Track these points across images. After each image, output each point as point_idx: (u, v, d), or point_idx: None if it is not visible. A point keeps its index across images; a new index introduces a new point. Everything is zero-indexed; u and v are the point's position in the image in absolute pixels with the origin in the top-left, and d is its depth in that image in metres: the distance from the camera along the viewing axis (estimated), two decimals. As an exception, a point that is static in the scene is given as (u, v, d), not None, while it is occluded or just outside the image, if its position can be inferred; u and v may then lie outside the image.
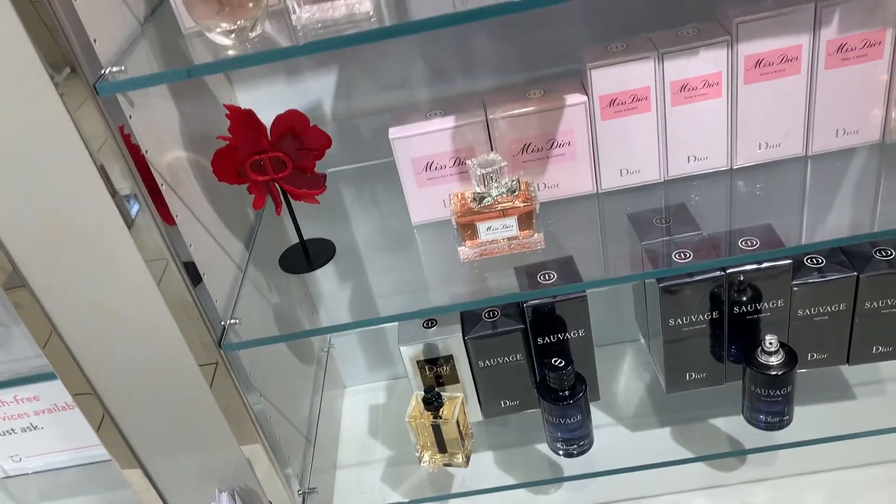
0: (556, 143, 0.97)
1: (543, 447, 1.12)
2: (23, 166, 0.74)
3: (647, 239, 0.92)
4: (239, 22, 0.73)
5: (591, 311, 1.02)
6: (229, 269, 0.97)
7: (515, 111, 0.95)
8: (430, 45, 1.06)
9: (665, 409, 1.17)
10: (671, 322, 1.01)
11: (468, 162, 0.91)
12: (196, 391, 0.92)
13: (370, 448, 1.28)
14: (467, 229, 0.92)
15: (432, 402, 1.03)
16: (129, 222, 0.78)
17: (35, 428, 1.22)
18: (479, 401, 1.11)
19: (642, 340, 1.23)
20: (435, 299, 0.92)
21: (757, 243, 0.88)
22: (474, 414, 1.12)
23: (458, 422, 1.04)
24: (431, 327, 1.06)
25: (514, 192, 0.91)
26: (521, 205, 0.91)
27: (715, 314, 1.01)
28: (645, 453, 1.11)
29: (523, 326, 1.03)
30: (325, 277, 0.98)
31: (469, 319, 1.06)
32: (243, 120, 0.87)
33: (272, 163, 0.89)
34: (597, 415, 1.16)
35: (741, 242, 0.88)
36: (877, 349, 1.05)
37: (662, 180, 1.00)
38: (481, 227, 0.92)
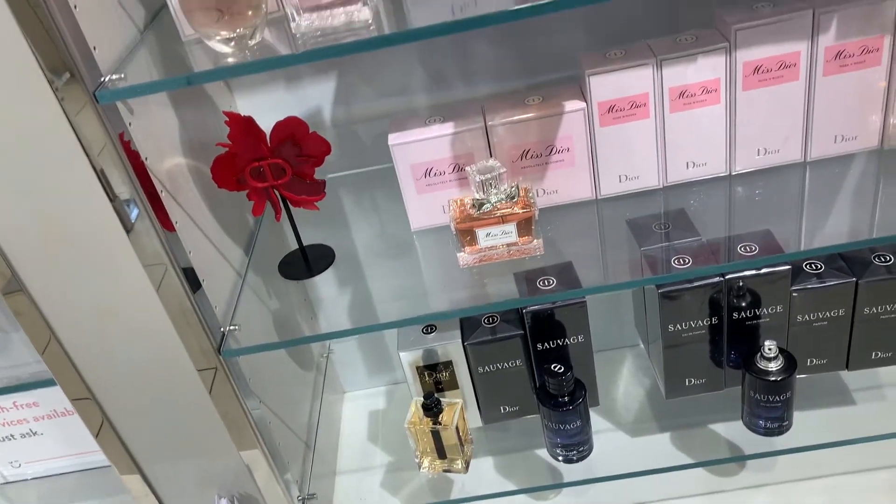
0: (554, 150, 0.97)
1: (543, 453, 1.12)
2: (21, 170, 0.74)
3: (647, 245, 0.92)
4: (238, 30, 0.74)
5: (590, 317, 1.02)
6: (229, 276, 0.98)
7: (514, 117, 0.95)
8: (430, 52, 1.06)
9: (664, 415, 1.17)
10: (670, 328, 1.01)
11: (467, 168, 0.92)
12: (195, 397, 0.92)
13: (370, 454, 1.28)
14: (466, 235, 0.92)
15: (432, 408, 1.03)
16: (129, 227, 0.78)
17: (34, 434, 1.22)
18: (479, 407, 1.11)
19: (642, 346, 1.23)
20: (434, 305, 0.92)
21: (756, 249, 0.88)
22: (474, 420, 1.12)
23: (457, 428, 1.04)
24: (431, 333, 1.06)
25: (513, 198, 0.91)
26: (521, 211, 0.91)
27: (714, 320, 1.01)
28: (644, 459, 1.11)
29: (523, 332, 1.03)
30: (324, 283, 0.98)
31: (468, 325, 1.06)
32: (243, 126, 0.87)
33: (271, 169, 0.89)
34: (596, 420, 1.16)
35: (740, 248, 0.89)
36: (876, 354, 1.05)
37: (661, 186, 1.00)
38: (480, 233, 0.92)
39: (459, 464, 1.08)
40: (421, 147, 0.96)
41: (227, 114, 0.86)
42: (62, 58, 0.70)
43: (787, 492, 1.14)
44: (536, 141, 0.96)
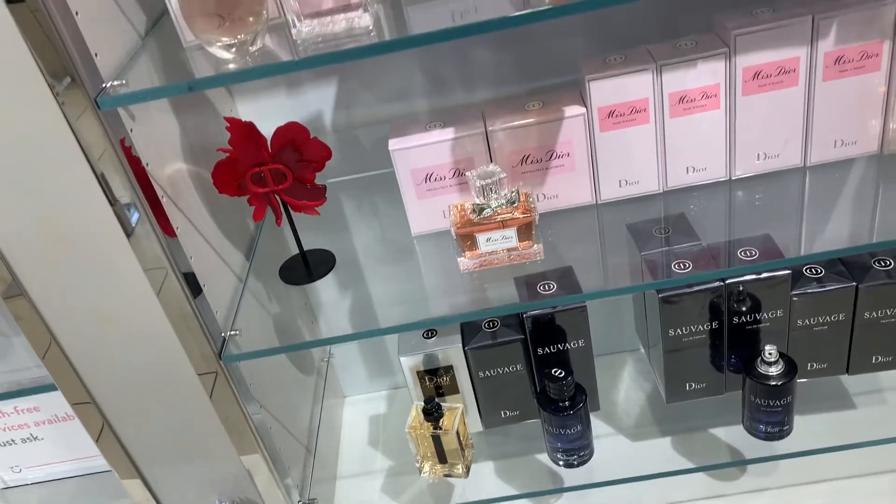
0: (555, 155, 0.97)
1: (544, 457, 1.12)
2: (22, 175, 0.75)
3: (647, 249, 0.92)
4: (239, 36, 0.74)
5: (590, 321, 1.02)
6: (229, 281, 0.98)
7: (515, 123, 0.95)
8: (430, 57, 1.07)
9: (665, 419, 1.17)
10: (671, 332, 1.01)
11: (468, 173, 0.92)
12: (196, 402, 0.92)
13: (370, 458, 1.28)
14: (467, 240, 0.92)
15: (432, 413, 1.03)
16: (129, 231, 0.79)
17: (35, 439, 1.22)
18: (480, 411, 1.11)
19: (642, 350, 1.23)
20: (435, 310, 0.92)
21: (756, 254, 0.88)
22: (474, 424, 1.12)
23: (458, 432, 1.04)
24: (431, 338, 1.06)
25: (513, 203, 0.92)
26: (521, 216, 0.91)
27: (714, 324, 1.01)
28: (645, 463, 1.11)
29: (523, 337, 1.03)
30: (325, 288, 0.98)
31: (469, 330, 1.06)
32: (244, 132, 0.87)
33: (272, 174, 0.90)
34: (597, 425, 1.16)
35: (740, 253, 0.89)
36: (876, 359, 1.05)
37: (661, 191, 1.01)
38: (481, 238, 0.92)
39: (460, 468, 1.08)
40: (421, 152, 0.96)
41: (228, 119, 0.86)
42: (63, 63, 0.70)
43: (787, 496, 1.14)
44: (537, 146, 0.96)
